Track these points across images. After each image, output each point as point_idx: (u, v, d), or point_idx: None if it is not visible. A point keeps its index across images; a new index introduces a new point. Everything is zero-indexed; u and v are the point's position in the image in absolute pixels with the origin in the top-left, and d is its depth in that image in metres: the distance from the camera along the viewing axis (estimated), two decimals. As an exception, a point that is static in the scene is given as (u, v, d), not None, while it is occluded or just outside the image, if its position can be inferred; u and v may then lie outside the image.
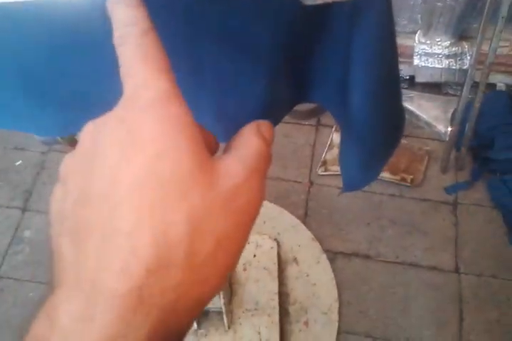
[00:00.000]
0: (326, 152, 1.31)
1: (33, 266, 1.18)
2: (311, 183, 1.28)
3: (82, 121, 0.33)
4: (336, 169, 1.26)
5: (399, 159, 1.27)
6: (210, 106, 0.30)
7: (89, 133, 0.20)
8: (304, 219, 1.22)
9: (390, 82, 0.36)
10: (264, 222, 1.18)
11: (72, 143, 0.74)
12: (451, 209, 1.23)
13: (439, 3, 1.21)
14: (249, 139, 0.21)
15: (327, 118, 1.35)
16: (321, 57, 0.33)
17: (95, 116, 0.32)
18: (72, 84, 0.29)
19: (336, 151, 1.30)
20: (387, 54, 0.30)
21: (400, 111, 0.44)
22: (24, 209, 1.27)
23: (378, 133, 0.44)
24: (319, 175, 1.29)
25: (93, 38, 0.26)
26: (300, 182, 1.28)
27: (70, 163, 0.20)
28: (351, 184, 0.57)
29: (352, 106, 0.38)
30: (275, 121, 0.40)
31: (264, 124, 0.22)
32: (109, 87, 0.29)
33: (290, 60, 0.30)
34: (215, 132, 0.35)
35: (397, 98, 0.42)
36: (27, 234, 1.23)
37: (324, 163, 1.30)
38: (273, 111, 0.25)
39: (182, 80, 0.28)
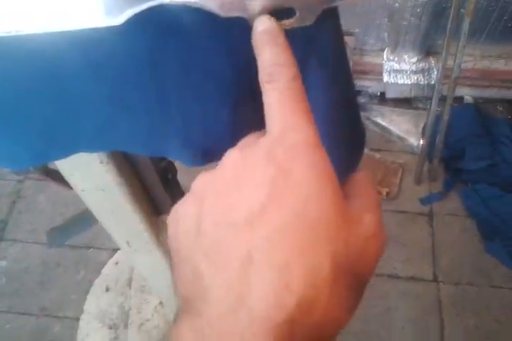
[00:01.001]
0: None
1: (9, 296, 1.16)
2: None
3: (55, 150, 0.33)
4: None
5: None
6: (176, 135, 0.30)
7: (234, 159, 0.21)
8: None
9: (347, 105, 0.36)
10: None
11: (46, 172, 0.72)
12: (427, 220, 1.26)
13: (404, 22, 1.25)
14: (369, 189, 0.23)
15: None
16: None
17: (67, 144, 0.32)
18: (45, 116, 0.29)
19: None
20: (342, 76, 0.31)
21: (358, 134, 0.44)
22: (0, 239, 1.24)
23: (336, 159, 0.45)
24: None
25: (64, 70, 0.26)
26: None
27: (209, 183, 0.21)
28: None
29: None
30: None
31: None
32: (82, 114, 0.29)
33: (253, 84, 0.30)
34: (181, 158, 0.33)
35: (355, 121, 0.43)
36: (3, 264, 1.21)
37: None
38: (241, 136, 0.25)
39: (148, 111, 0.29)
